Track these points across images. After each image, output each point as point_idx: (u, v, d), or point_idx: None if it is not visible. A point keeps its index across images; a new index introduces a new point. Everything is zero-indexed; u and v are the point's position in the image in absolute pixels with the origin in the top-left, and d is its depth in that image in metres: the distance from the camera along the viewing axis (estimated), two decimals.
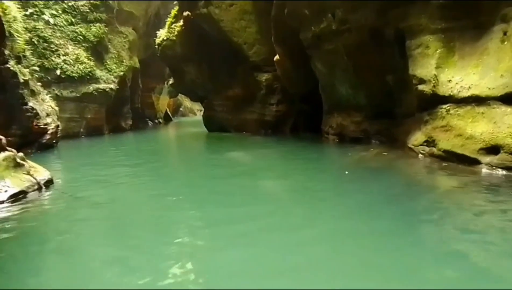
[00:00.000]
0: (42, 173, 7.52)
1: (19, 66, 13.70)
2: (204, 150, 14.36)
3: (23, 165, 7.25)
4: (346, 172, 7.21)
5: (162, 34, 18.65)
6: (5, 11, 12.79)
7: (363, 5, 9.34)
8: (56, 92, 21.10)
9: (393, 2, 8.58)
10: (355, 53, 10.32)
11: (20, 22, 14.39)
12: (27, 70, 14.16)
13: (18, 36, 13.48)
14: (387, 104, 10.08)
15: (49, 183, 7.51)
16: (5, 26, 12.68)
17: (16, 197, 6.59)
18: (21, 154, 7.49)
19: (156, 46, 19.36)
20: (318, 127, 15.08)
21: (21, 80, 13.30)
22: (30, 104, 14.31)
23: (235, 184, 7.39)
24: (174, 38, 17.99)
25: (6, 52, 12.37)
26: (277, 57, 15.21)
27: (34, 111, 14.48)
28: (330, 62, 11.30)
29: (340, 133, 11.92)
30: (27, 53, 15.94)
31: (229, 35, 15.90)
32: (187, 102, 48.91)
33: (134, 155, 13.78)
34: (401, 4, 8.46)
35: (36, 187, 7.15)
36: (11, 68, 12.45)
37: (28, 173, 7.24)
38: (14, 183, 6.81)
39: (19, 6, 16.39)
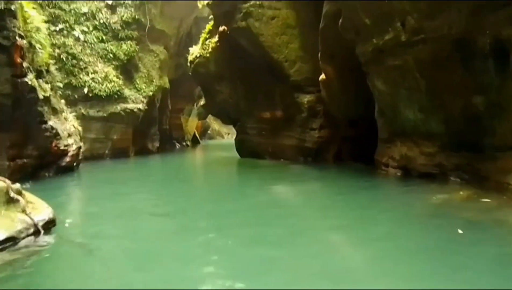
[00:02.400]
0: (42, 211, 5.88)
1: (40, 81, 12.51)
2: (239, 181, 12.53)
3: (18, 200, 5.64)
4: (460, 231, 5.13)
5: (194, 51, 17.37)
6: (27, 20, 11.69)
7: (446, 9, 7.47)
8: (82, 111, 20.08)
9: (494, 3, 6.69)
10: (430, 69, 8.40)
11: (44, 34, 13.24)
12: (48, 85, 12.93)
13: (40, 48, 12.30)
14: (471, 132, 8.04)
15: (50, 224, 5.85)
16: (26, 36, 11.58)
17: (2, 246, 4.95)
18: (17, 185, 5.90)
19: (188, 64, 18.06)
20: (367, 156, 13.09)
21: (41, 96, 12.05)
22: (50, 123, 13.03)
23: (286, 234, 5.55)
24: (207, 55, 16.63)
25: (25, 64, 11.17)
26: (322, 76, 13.46)
27: (54, 131, 13.18)
28: (394, 80, 9.41)
29: (405, 166, 9.88)
30: (52, 68, 14.82)
31: (268, 51, 14.34)
32: (215, 125, 47.79)
33: (161, 183, 12.15)
34: (505, 5, 6.55)
35: (31, 230, 5.50)
36: (29, 82, 11.20)
37: (24, 211, 5.61)
38: (2, 225, 5.19)
39: (45, 18, 15.48)
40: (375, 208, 7.15)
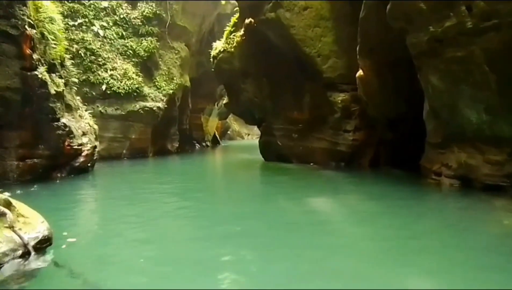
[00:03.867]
0: (35, 227, 4.77)
1: (53, 75, 11.58)
2: (266, 188, 11.13)
3: (4, 214, 4.55)
4: None
5: (218, 45, 16.22)
6: (39, 9, 10.77)
7: None
8: (100, 108, 19.26)
9: None
10: (503, 61, 6.98)
11: (60, 25, 12.32)
12: (62, 80, 12.00)
13: (53, 40, 11.36)
14: None
15: (44, 243, 4.74)
16: (38, 26, 10.66)
17: None
18: (5, 195, 4.82)
19: (211, 60, 16.94)
20: (408, 162, 11.68)
21: (53, 92, 11.10)
22: (63, 120, 12.10)
23: (330, 259, 4.29)
24: (232, 49, 15.46)
25: (35, 56, 10.23)
26: (360, 72, 12.10)
27: (67, 129, 12.24)
28: (454, 75, 7.99)
29: (465, 176, 8.41)
30: (68, 63, 13.93)
31: (300, 45, 13.06)
32: (235, 125, 46.77)
33: (181, 188, 10.97)
34: None
35: (19, 252, 4.40)
36: (40, 76, 10.26)
37: (11, 228, 4.52)
38: None
39: (62, 10, 14.64)
40: (437, 233, 5.76)
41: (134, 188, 10.77)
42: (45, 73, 10.64)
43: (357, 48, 11.54)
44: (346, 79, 13.20)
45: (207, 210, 7.69)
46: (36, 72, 10.22)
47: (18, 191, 9.78)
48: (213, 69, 16.98)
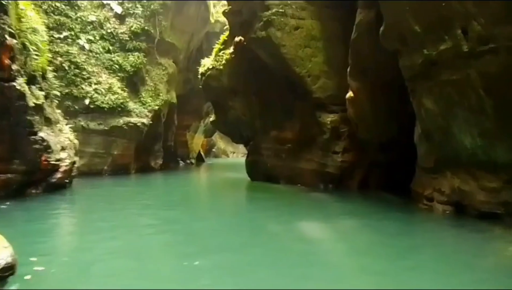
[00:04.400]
0: None
1: (33, 87, 11.07)
2: (253, 210, 10.64)
3: None
4: None
5: (206, 62, 15.97)
6: (22, 19, 10.33)
7: None
8: (82, 123, 18.66)
9: None
10: (500, 85, 6.84)
11: (43, 36, 11.87)
12: (42, 93, 11.48)
13: (35, 51, 10.90)
14: None
15: (6, 272, 4.20)
16: (19, 36, 10.20)
17: None
18: None
19: (199, 76, 16.64)
20: (398, 186, 11.46)
21: (31, 104, 10.57)
22: (41, 134, 11.52)
23: None
24: (221, 67, 15.22)
25: (14, 67, 9.73)
26: (350, 94, 11.94)
27: (45, 143, 11.65)
28: (448, 98, 7.84)
29: (458, 202, 8.17)
30: (50, 75, 13.42)
31: (290, 64, 12.89)
32: (220, 143, 46.37)
33: (164, 209, 10.37)
34: None
35: None
36: (18, 88, 9.74)
37: None
38: None
39: (47, 22, 14.21)
40: (437, 268, 5.41)
41: (113, 209, 10.14)
42: (24, 84, 10.14)
43: (348, 69, 11.42)
44: (336, 100, 13.03)
45: (188, 242, 7.11)
46: (14, 84, 9.72)
47: None
48: (201, 86, 16.68)
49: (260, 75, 14.67)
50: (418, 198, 9.74)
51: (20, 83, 9.86)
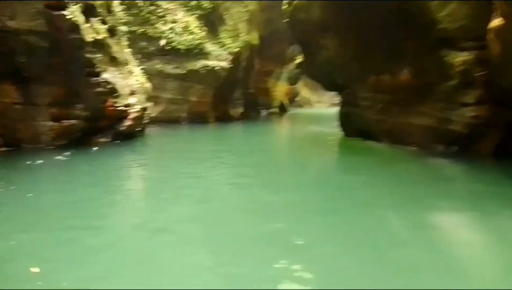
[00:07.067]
0: None
1: (93, 20, 9.44)
2: (358, 187, 7.01)
3: None
4: None
5: None
6: None
7: None
8: (158, 66, 17.30)
9: None
10: None
11: None
12: (104, 27, 9.84)
13: None
14: None
15: None
16: None
17: None
18: None
19: (284, 7, 13.85)
20: None
21: (89, 39, 8.97)
22: (105, 75, 10.07)
23: None
24: None
25: None
26: (497, 21, 8.37)
27: (110, 86, 10.22)
28: None
29: None
30: (117, 9, 11.78)
31: None
32: (305, 91, 43.29)
33: (242, 177, 8.04)
34: None
35: None
36: (68, 17, 8.08)
37: None
38: None
39: None
40: None
41: (186, 168, 8.27)
42: (78, 14, 8.46)
43: None
44: (469, 33, 9.51)
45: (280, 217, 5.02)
46: (64, 12, 8.05)
47: (39, 161, 8.00)
48: (286, 20, 13.87)
49: (360, 5, 11.44)
50: None
51: (72, 11, 8.16)
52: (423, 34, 10.37)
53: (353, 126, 13.09)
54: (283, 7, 13.95)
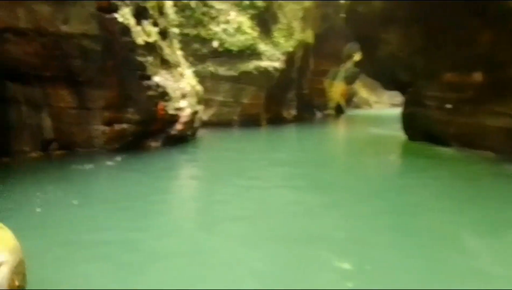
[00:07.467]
0: None
1: (145, 22, 9.37)
2: (423, 202, 6.10)
3: None
4: None
5: None
6: None
7: None
8: (211, 68, 17.19)
9: None
10: None
11: None
12: (156, 29, 9.74)
13: None
14: None
15: None
16: None
17: None
18: None
19: (342, 0, 13.02)
20: None
21: (140, 42, 8.88)
22: (156, 78, 9.97)
23: None
24: None
25: None
26: None
27: (161, 90, 10.11)
28: None
29: None
30: (170, 11, 11.73)
31: None
32: (362, 91, 41.47)
33: (300, 188, 7.29)
34: None
35: None
36: (120, 20, 8.01)
37: None
38: None
39: None
40: None
41: (241, 174, 7.77)
42: (129, 16, 8.40)
43: None
44: None
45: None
46: (115, 15, 8.00)
47: (89, 166, 7.99)
48: (344, 14, 13.02)
49: None
50: None
51: (123, 14, 8.09)
52: (501, 22, 9.13)
53: (418, 128, 11.93)
54: (341, 1, 13.11)
